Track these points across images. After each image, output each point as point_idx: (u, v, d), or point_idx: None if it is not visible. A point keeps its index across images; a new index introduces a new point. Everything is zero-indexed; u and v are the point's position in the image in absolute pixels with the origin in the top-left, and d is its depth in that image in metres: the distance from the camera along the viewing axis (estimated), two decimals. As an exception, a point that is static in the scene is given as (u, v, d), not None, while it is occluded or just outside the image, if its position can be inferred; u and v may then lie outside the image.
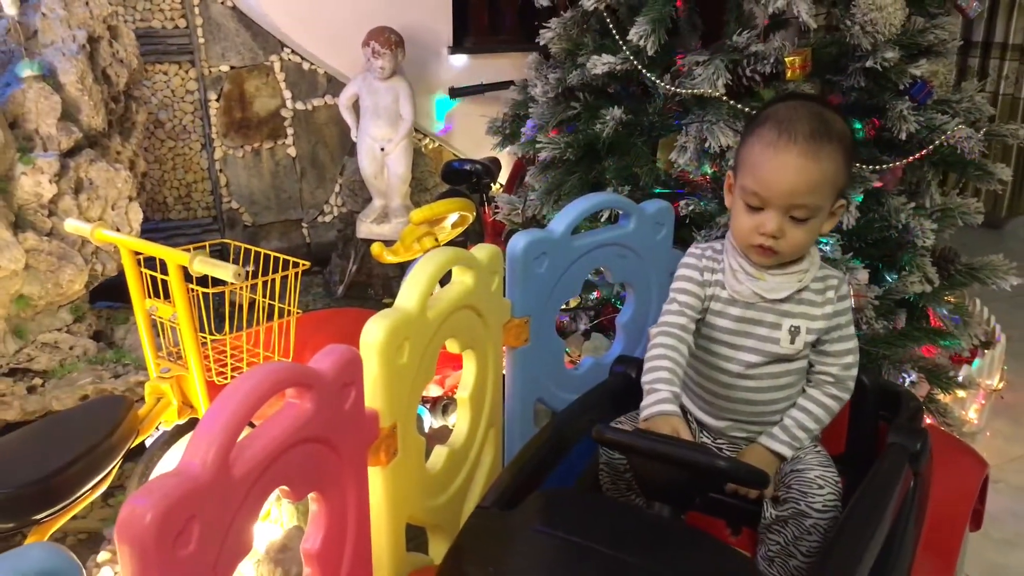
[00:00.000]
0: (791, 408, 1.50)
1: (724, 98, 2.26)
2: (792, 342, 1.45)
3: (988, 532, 2.19)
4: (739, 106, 2.24)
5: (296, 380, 1.11)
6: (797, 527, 1.36)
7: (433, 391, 2.50)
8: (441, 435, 2.25)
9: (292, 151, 4.19)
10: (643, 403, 1.42)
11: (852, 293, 2.20)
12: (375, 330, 1.34)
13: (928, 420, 2.38)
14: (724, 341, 1.49)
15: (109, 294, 3.06)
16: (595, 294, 2.70)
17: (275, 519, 1.91)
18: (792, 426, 1.46)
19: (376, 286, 3.92)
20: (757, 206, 1.39)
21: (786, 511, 1.38)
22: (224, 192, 4.08)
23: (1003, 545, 2.24)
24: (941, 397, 2.45)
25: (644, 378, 1.45)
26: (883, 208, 2.29)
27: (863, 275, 2.20)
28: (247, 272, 1.72)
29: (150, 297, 1.92)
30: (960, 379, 2.46)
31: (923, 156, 2.25)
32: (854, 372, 1.51)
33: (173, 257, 1.74)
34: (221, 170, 4.05)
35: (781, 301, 1.45)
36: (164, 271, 1.81)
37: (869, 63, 2.20)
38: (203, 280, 1.80)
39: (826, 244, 2.20)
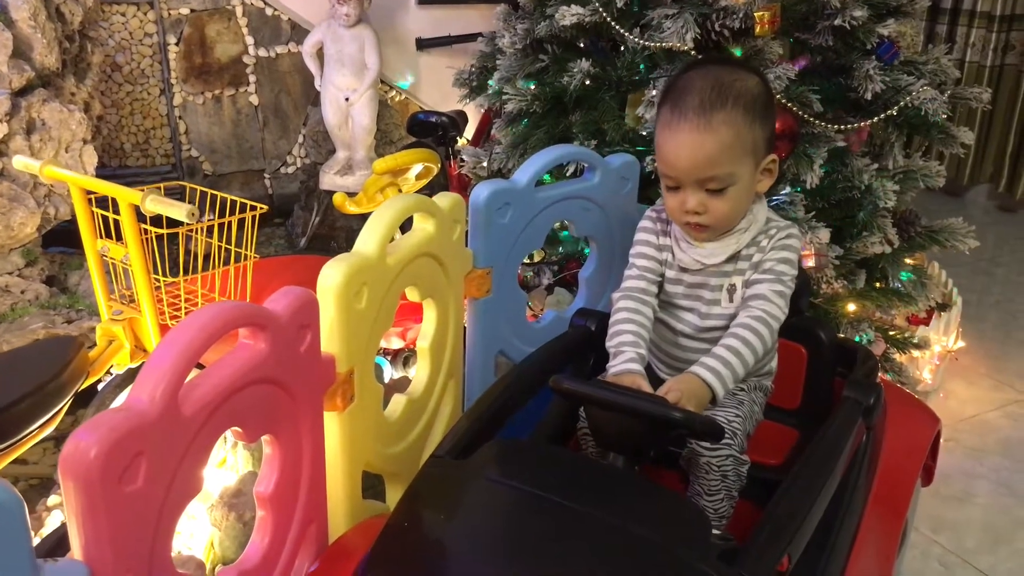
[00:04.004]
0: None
1: (693, 52, 2.24)
2: (731, 300, 1.47)
3: (938, 489, 2.23)
4: (708, 61, 2.22)
5: (250, 320, 1.09)
6: (696, 467, 1.37)
7: (394, 343, 2.48)
8: (401, 385, 2.23)
9: (254, 99, 4.09)
10: (609, 364, 1.42)
11: (814, 252, 2.22)
12: (333, 274, 1.32)
13: (883, 377, 2.41)
14: (676, 304, 1.52)
15: (63, 239, 3.00)
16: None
17: (230, 465, 1.89)
18: (720, 350, 1.38)
19: (339, 238, 3.87)
20: (673, 186, 1.41)
21: (685, 451, 1.38)
22: (184, 140, 3.99)
23: (951, 501, 2.29)
24: (897, 357, 2.48)
25: (609, 342, 1.46)
26: (847, 169, 2.30)
27: (824, 235, 2.20)
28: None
29: (102, 238, 1.87)
30: (916, 340, 2.50)
31: (888, 116, 2.25)
32: (782, 290, 1.43)
33: (124, 195, 1.69)
34: (180, 117, 3.95)
35: (722, 264, 1.47)
36: (116, 211, 1.76)
37: (838, 21, 2.19)
38: (159, 223, 1.76)
39: (788, 204, 2.20)
